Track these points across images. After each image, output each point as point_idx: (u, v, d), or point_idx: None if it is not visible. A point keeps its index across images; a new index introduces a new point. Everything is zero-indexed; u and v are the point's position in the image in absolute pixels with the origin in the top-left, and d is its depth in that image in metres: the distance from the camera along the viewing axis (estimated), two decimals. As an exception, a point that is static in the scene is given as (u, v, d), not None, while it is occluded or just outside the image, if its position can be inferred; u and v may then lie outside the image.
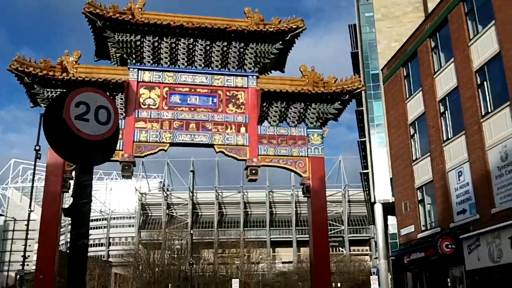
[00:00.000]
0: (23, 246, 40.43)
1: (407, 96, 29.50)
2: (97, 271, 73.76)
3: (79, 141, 3.87)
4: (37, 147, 32.62)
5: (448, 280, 24.00)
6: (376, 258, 59.99)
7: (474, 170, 22.16)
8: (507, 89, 20.08)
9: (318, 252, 23.18)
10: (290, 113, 24.49)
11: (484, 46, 22.20)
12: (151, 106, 23.65)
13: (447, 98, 25.26)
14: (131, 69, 23.94)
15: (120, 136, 22.34)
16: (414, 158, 28.29)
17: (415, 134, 28.59)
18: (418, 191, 27.80)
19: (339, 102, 24.29)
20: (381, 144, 47.91)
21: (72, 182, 21.76)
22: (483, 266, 20.83)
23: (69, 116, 3.86)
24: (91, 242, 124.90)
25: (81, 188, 3.77)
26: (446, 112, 25.31)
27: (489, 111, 21.44)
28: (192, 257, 67.62)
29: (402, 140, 29.76)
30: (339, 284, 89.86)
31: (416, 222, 27.39)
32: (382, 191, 46.90)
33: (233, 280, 62.63)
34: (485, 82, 22.01)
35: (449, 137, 24.67)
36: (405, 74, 30.21)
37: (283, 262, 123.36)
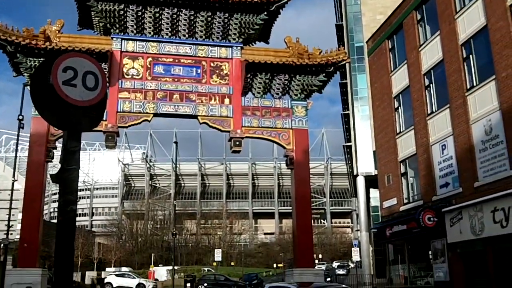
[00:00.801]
0: (7, 216, 40.24)
1: (392, 69, 29.46)
2: (80, 241, 73.72)
3: (67, 106, 3.75)
4: (20, 117, 32.19)
5: (430, 252, 24.35)
6: (357, 230, 60.80)
7: (458, 144, 22.31)
8: (493, 63, 20.11)
9: (301, 223, 23.39)
10: (275, 85, 24.41)
11: (470, 19, 22.14)
12: (134, 77, 23.41)
13: (432, 71, 25.26)
14: (114, 39, 23.61)
15: (103, 106, 22.12)
16: (398, 131, 28.39)
17: (399, 107, 28.64)
18: (401, 164, 27.96)
19: (324, 74, 24.24)
20: (365, 117, 48.09)
21: (55, 152, 21.58)
22: (464, 239, 21.11)
23: (56, 81, 3.73)
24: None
25: (69, 154, 3.67)
26: (431, 85, 25.34)
27: (474, 84, 21.50)
28: (175, 227, 67.87)
29: (386, 113, 29.83)
30: (320, 256, 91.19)
31: (398, 195, 27.63)
32: (365, 164, 47.23)
33: (215, 250, 63.13)
34: (471, 56, 22.00)
35: (434, 111, 24.75)
36: (390, 47, 30.12)
37: (265, 233, 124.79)
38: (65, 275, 3.50)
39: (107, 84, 22.38)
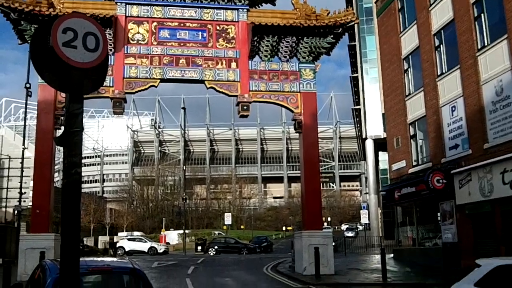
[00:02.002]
0: (19, 183, 40.84)
1: (401, 30, 28.98)
2: (92, 207, 74.73)
3: (68, 69, 3.68)
4: (28, 85, 32.28)
5: (438, 214, 24.41)
6: (366, 193, 61.05)
7: (468, 105, 22.05)
8: (505, 21, 19.68)
9: (309, 187, 23.43)
10: (282, 48, 24.09)
11: (482, -23, 21.59)
12: (140, 42, 23.19)
13: (442, 31, 24.80)
14: (118, 4, 23.28)
15: (110, 73, 22.03)
16: (407, 93, 28.11)
17: (409, 69, 28.28)
18: (410, 126, 27.78)
19: (332, 36, 23.86)
20: (374, 80, 47.68)
21: (63, 118, 21.59)
22: (473, 201, 21.09)
23: (56, 43, 3.66)
24: (85, 179, 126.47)
25: (72, 117, 3.62)
26: (441, 46, 24.92)
27: (486, 44, 21.09)
28: (185, 192, 68.47)
29: (395, 75, 29.49)
30: (329, 218, 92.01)
31: (407, 158, 27.54)
32: (374, 127, 47.09)
33: (225, 214, 63.79)
34: (482, 15, 21.51)
35: (444, 72, 24.41)
36: (399, 7, 29.54)
37: (274, 197, 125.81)
38: (72, 236, 3.51)
39: (113, 49, 22.28)
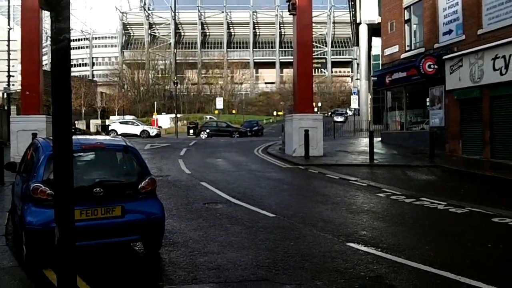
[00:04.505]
0: (7, 66, 40.35)
1: None
2: (83, 90, 74.26)
3: None
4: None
5: (427, 99, 24.68)
6: (357, 79, 61.11)
7: (465, -11, 21.49)
8: None
9: (301, 69, 23.35)
10: None
11: None
12: None
13: None
14: None
15: None
16: (404, -24, 27.21)
17: (408, -51, 27.13)
18: (405, 10, 27.14)
19: None
20: (371, -39, 45.77)
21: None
22: (463, 86, 21.24)
23: None
24: (74, 62, 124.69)
25: (58, -20, 3.50)
26: None
27: None
28: (176, 76, 68.10)
29: (393, -45, 28.31)
30: (319, 104, 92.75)
31: (400, 42, 27.22)
32: (369, 12, 45.98)
33: (217, 98, 63.99)
34: None
35: (444, -48, 23.43)
36: None
37: (266, 83, 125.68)
38: (63, 107, 3.53)
39: None
